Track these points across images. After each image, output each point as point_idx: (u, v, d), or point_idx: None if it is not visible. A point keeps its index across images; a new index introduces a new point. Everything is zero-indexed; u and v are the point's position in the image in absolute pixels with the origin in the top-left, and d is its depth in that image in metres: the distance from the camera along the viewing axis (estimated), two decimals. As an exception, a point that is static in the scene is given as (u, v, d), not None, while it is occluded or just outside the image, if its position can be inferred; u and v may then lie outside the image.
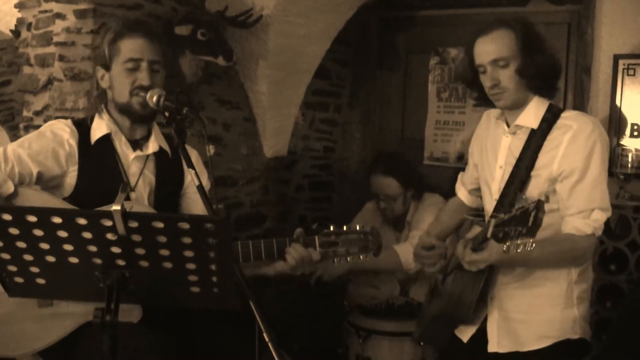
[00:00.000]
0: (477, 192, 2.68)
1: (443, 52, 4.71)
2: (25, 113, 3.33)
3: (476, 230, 2.04)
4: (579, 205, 2.19)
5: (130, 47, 2.21)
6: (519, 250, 1.85)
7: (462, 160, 4.60)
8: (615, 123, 3.51)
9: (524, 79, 2.26)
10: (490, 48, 2.26)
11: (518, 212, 1.85)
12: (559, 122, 2.27)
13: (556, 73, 2.33)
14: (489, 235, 1.93)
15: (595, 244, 2.26)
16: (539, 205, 1.81)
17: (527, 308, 2.34)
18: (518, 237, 1.84)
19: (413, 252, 2.69)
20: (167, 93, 2.12)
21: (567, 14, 4.26)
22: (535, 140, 2.28)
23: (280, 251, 2.17)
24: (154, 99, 2.10)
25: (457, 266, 2.42)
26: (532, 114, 2.30)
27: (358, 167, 5.08)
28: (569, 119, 2.26)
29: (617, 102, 3.50)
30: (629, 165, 3.33)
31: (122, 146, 2.29)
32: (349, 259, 2.22)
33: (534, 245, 1.83)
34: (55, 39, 3.19)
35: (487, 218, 2.48)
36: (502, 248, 1.89)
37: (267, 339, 1.67)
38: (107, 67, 2.26)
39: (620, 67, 3.50)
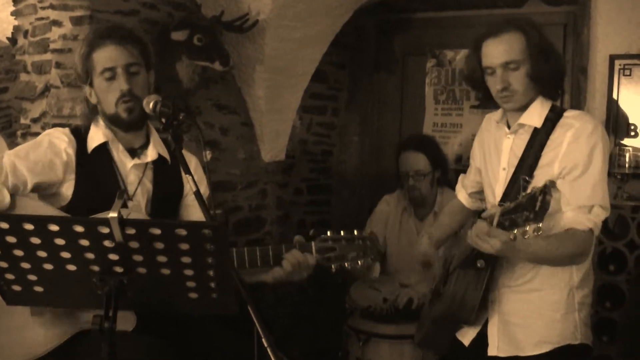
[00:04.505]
0: (477, 195, 2.68)
1: (440, 54, 4.72)
2: (22, 120, 3.33)
3: (493, 210, 2.00)
4: (580, 199, 2.17)
5: (103, 56, 2.20)
6: (526, 237, 1.83)
7: (460, 162, 4.61)
8: (612, 123, 3.51)
9: (533, 82, 2.25)
10: (501, 50, 2.24)
11: (524, 198, 1.84)
12: (562, 120, 2.26)
13: (562, 76, 2.33)
14: (494, 224, 1.92)
15: (593, 242, 2.25)
16: (545, 189, 1.80)
17: (527, 312, 2.32)
18: (525, 223, 1.83)
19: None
20: (164, 99, 2.11)
21: (563, 14, 4.27)
22: (539, 139, 2.27)
23: (276, 258, 2.17)
24: (151, 105, 2.08)
25: (459, 265, 2.42)
26: (536, 113, 2.29)
27: (356, 170, 5.09)
28: (572, 118, 2.26)
29: (614, 103, 3.51)
30: (627, 165, 3.34)
31: (119, 154, 2.28)
32: (346, 264, 2.21)
33: (540, 230, 1.81)
34: (52, 46, 3.19)
35: None
36: (510, 236, 1.88)
37: (265, 344, 1.67)
38: (90, 83, 2.26)
39: (617, 68, 3.50)
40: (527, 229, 1.83)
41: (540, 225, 1.81)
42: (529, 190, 1.86)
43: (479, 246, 2.04)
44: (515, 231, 1.86)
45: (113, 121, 2.26)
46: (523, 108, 2.31)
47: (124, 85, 2.19)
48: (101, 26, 2.40)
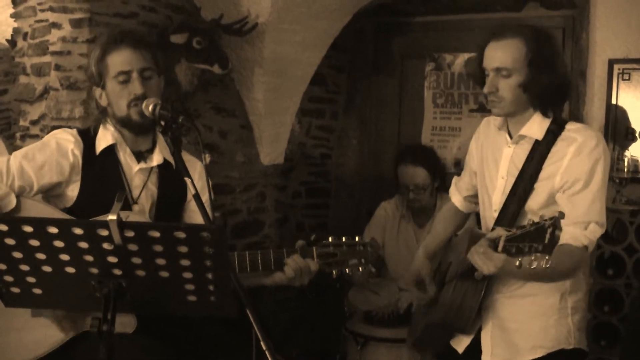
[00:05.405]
0: (472, 198, 2.65)
1: (438, 57, 4.72)
2: (21, 122, 3.34)
3: (498, 232, 1.99)
4: (577, 215, 2.15)
5: (118, 60, 2.20)
6: (533, 267, 1.82)
7: (459, 165, 4.60)
8: (611, 128, 3.51)
9: (526, 94, 2.21)
10: (497, 55, 2.22)
11: (532, 228, 1.83)
12: (564, 133, 2.23)
13: (563, 94, 2.28)
14: (499, 250, 1.91)
15: (588, 258, 2.25)
16: (555, 222, 1.79)
17: (520, 318, 2.32)
18: (532, 253, 1.82)
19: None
20: (163, 102, 2.11)
21: (561, 19, 4.27)
22: (540, 151, 2.24)
23: (277, 262, 2.17)
24: (150, 108, 2.09)
25: (457, 275, 2.41)
26: (537, 125, 2.26)
27: (355, 173, 5.09)
28: (574, 131, 2.23)
29: (613, 107, 3.51)
30: (625, 170, 3.34)
31: (126, 157, 2.29)
32: (347, 270, 2.21)
33: (549, 262, 1.80)
34: (51, 48, 3.20)
35: (483, 226, 2.47)
36: (515, 263, 1.87)
37: (264, 347, 1.67)
38: (102, 85, 2.25)
39: (615, 72, 3.51)
40: (533, 258, 1.82)
41: (548, 257, 1.81)
42: (537, 220, 1.85)
43: (478, 265, 2.04)
44: (521, 259, 1.85)
45: (124, 123, 2.26)
46: (513, 116, 2.29)
47: (139, 90, 2.19)
48: (115, 30, 2.41)
